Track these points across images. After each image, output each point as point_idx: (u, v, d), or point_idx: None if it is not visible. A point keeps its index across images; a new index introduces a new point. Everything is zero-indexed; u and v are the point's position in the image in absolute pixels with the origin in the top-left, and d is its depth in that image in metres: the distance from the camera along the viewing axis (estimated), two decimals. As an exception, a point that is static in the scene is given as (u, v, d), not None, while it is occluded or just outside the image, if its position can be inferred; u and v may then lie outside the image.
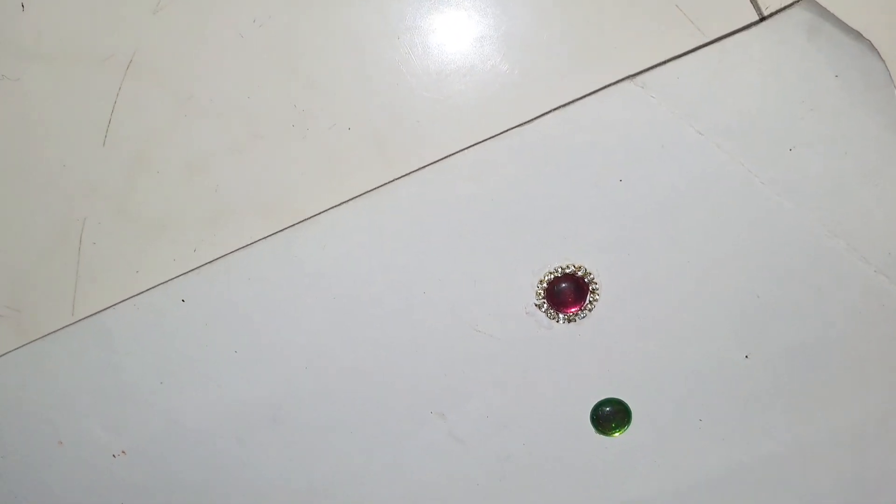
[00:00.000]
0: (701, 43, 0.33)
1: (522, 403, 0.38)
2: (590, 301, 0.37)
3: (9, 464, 0.42)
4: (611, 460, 0.39)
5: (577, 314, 0.37)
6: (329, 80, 0.35)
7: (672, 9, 0.33)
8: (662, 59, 0.34)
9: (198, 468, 0.41)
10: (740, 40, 0.33)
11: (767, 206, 0.35)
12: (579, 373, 0.38)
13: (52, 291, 0.39)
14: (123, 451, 0.41)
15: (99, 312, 0.39)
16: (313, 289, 0.37)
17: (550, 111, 0.35)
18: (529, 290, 0.37)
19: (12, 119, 0.37)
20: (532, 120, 0.35)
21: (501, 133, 0.35)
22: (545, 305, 0.37)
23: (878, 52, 0.32)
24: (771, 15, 0.33)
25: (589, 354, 0.38)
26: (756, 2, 0.33)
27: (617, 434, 0.38)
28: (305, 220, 0.37)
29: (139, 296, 0.38)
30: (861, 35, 0.32)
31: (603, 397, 0.38)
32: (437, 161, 0.35)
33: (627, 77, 0.34)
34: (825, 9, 0.32)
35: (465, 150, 0.35)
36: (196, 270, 0.38)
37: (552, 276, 0.36)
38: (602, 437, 0.38)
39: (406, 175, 0.36)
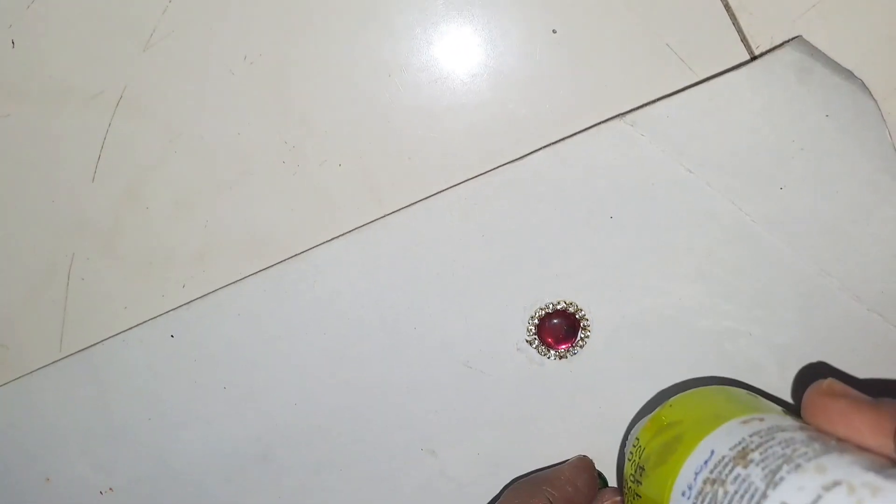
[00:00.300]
0: (691, 82, 0.34)
1: (514, 441, 0.38)
2: (581, 338, 0.36)
3: (-6, 501, 0.42)
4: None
5: (568, 351, 0.37)
6: (320, 117, 0.35)
7: (662, 48, 0.33)
8: (653, 98, 0.34)
9: (186, 506, 0.40)
10: (731, 79, 0.33)
11: (759, 245, 0.34)
12: (570, 410, 0.37)
13: (39, 327, 0.39)
14: (111, 489, 0.40)
15: (87, 348, 0.38)
16: (303, 325, 0.37)
17: (541, 148, 0.35)
18: (521, 327, 0.37)
19: (1, 155, 0.37)
20: (523, 157, 0.35)
21: (492, 170, 0.35)
22: (536, 342, 0.37)
23: (870, 92, 0.32)
24: (762, 54, 0.33)
25: (580, 391, 0.37)
26: (747, 41, 0.33)
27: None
28: (295, 256, 0.36)
29: (127, 332, 0.38)
30: (852, 74, 0.32)
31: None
32: (428, 197, 0.35)
33: (618, 115, 0.34)
34: (816, 48, 0.32)
35: (456, 187, 0.35)
36: (185, 306, 0.37)
37: (543, 313, 0.36)
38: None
39: (397, 211, 0.36)
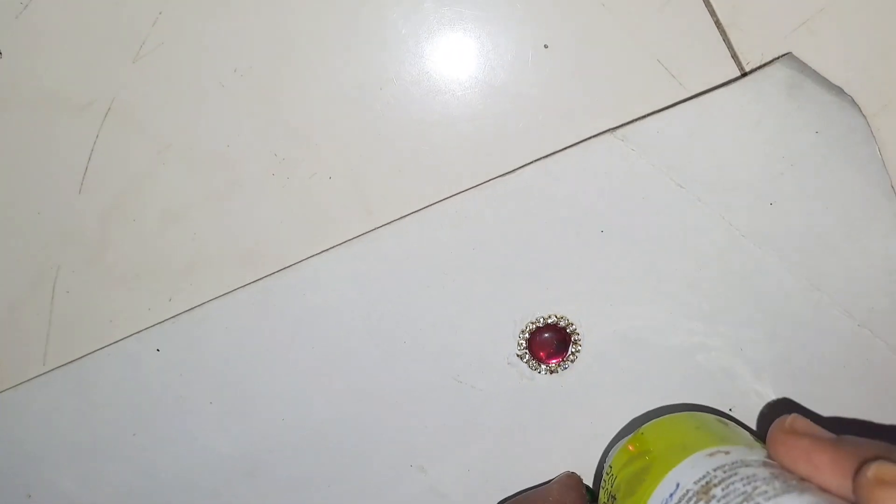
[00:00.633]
0: (682, 97, 0.34)
1: (504, 457, 0.38)
2: (572, 352, 0.36)
3: (-26, 517, 0.41)
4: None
5: (559, 365, 0.37)
6: (310, 129, 0.35)
7: (654, 63, 0.33)
8: (644, 113, 0.34)
9: (171, 523, 0.40)
10: (722, 95, 0.33)
11: (749, 260, 0.35)
12: (561, 425, 0.37)
13: (23, 340, 0.38)
14: (94, 505, 0.40)
15: (71, 362, 0.38)
16: (292, 339, 0.37)
17: (532, 162, 0.35)
18: (511, 340, 0.36)
19: (-14, 166, 0.36)
20: (514, 170, 0.35)
21: (483, 183, 0.35)
22: (527, 356, 0.36)
23: (860, 108, 0.32)
24: (752, 71, 0.33)
25: (571, 406, 0.37)
26: (737, 57, 0.33)
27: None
28: (284, 269, 0.36)
29: (113, 345, 0.37)
30: (842, 91, 0.32)
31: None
32: (419, 210, 0.35)
33: (609, 130, 0.34)
34: (806, 65, 0.32)
35: (447, 200, 0.35)
36: (172, 320, 0.37)
37: (534, 327, 0.36)
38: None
39: (387, 224, 0.35)
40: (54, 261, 0.37)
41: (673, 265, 0.35)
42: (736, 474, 0.25)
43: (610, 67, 0.34)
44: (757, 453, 0.27)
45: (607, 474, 0.32)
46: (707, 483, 0.25)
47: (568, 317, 0.36)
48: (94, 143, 0.36)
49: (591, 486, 0.37)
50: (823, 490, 0.23)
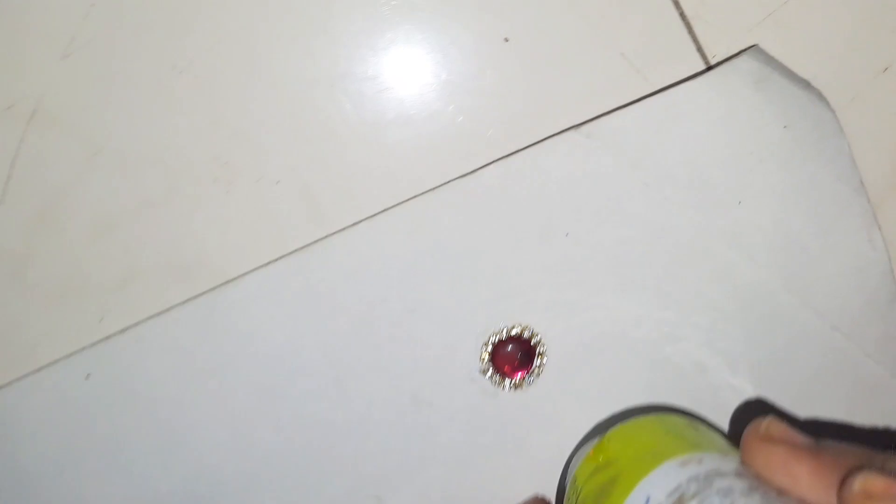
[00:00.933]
0: (647, 92, 0.33)
1: (466, 481, 0.36)
2: (537, 366, 0.35)
3: None
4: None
5: (524, 380, 0.35)
6: (255, 131, 0.34)
7: (617, 58, 0.33)
8: (608, 109, 0.33)
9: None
10: (687, 89, 0.33)
11: (717, 260, 0.34)
12: (526, 444, 0.36)
13: (-65, 368, 0.35)
14: (16, 551, 0.36)
15: (-11, 392, 0.35)
16: (236, 359, 0.35)
17: (493, 162, 0.34)
18: (473, 355, 0.35)
19: None
20: (474, 171, 0.34)
21: (441, 185, 0.34)
22: (490, 370, 0.35)
23: (828, 102, 0.32)
24: (718, 64, 0.33)
25: (536, 423, 0.36)
26: (702, 50, 0.33)
27: None
28: (227, 282, 0.34)
29: (37, 373, 0.35)
30: (810, 84, 0.32)
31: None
32: (373, 216, 0.34)
33: (572, 127, 0.33)
34: (773, 57, 0.32)
35: (403, 204, 0.34)
36: (103, 342, 0.35)
37: (497, 339, 0.35)
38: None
39: (339, 231, 0.34)
40: (-29, 278, 0.34)
41: (640, 267, 0.34)
42: (711, 486, 0.24)
43: (572, 62, 0.33)
44: (731, 461, 0.25)
45: (571, 487, 0.31)
46: (681, 496, 0.24)
47: (532, 326, 0.35)
48: (18, 148, 0.34)
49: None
50: (804, 503, 0.22)
